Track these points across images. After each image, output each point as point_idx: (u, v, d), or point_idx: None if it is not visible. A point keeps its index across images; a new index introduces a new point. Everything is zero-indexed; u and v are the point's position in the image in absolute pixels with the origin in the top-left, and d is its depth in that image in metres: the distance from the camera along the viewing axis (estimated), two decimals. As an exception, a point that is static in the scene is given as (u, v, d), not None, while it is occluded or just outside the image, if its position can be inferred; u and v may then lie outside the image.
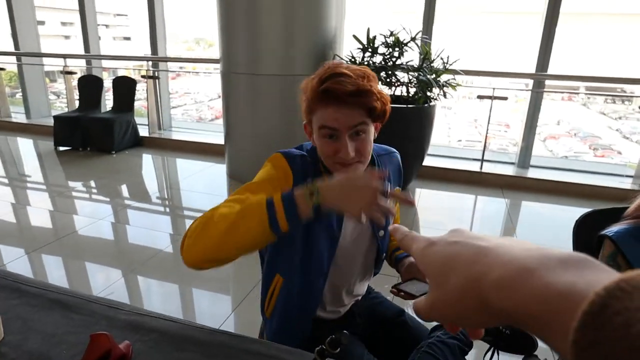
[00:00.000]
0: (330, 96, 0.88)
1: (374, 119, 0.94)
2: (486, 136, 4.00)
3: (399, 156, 1.20)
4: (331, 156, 0.92)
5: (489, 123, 3.98)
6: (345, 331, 0.60)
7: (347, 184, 0.77)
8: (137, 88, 4.92)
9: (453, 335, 1.14)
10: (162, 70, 5.29)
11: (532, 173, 4.00)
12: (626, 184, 3.78)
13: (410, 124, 3.28)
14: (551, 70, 3.87)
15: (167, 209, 3.44)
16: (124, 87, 4.85)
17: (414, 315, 1.27)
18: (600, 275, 0.24)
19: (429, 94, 3.32)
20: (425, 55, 3.38)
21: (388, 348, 1.18)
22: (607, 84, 5.31)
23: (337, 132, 0.90)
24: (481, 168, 3.93)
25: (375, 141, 1.01)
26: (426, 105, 3.31)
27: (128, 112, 4.80)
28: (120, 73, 5.79)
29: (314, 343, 0.80)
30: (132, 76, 5.13)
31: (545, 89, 4.06)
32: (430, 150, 3.74)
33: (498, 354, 1.29)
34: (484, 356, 1.28)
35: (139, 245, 2.74)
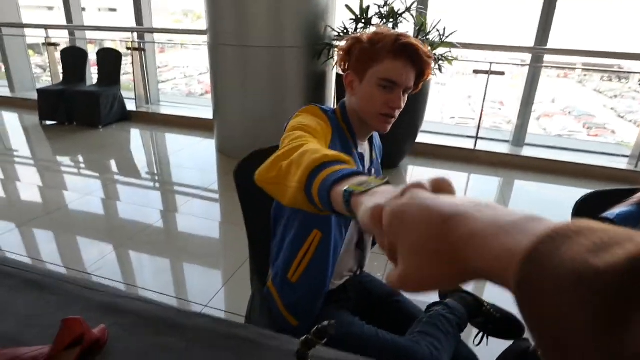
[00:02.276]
0: (407, 51, 0.95)
1: (415, 86, 1.02)
2: (481, 113, 3.93)
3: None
4: (380, 105, 0.98)
5: (484, 100, 3.91)
6: (333, 321, 0.56)
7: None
8: (124, 61, 4.75)
9: (452, 312, 1.13)
10: (148, 42, 5.11)
11: (526, 151, 3.97)
12: (621, 163, 3.77)
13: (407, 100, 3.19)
14: (550, 45, 3.79)
15: (157, 184, 3.38)
16: (109, 60, 4.67)
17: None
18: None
19: (434, 67, 3.23)
20: (421, 27, 3.27)
21: (383, 326, 1.16)
22: (605, 60, 5.20)
23: (395, 86, 0.97)
24: (475, 146, 3.89)
25: None
26: (421, 80, 3.23)
27: (114, 85, 4.64)
28: (107, 45, 5.59)
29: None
30: (119, 48, 4.95)
31: (543, 64, 3.98)
32: (423, 127, 3.67)
33: (487, 338, 1.28)
34: (474, 339, 1.28)
35: (129, 220, 2.70)
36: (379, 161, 1.19)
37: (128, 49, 4.90)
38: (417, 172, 3.69)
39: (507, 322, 1.27)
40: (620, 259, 0.20)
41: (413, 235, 0.33)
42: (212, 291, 2.00)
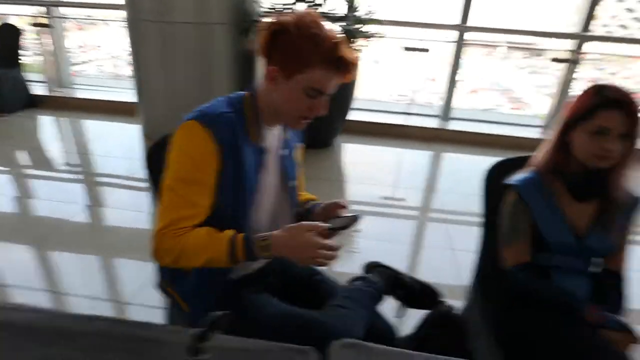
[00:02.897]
0: (341, 64, 0.91)
1: None
2: (412, 89, 4.04)
3: None
4: (304, 110, 0.95)
5: (414, 77, 4.02)
6: (227, 312, 0.53)
7: (294, 243, 0.89)
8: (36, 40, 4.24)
9: (370, 285, 1.15)
10: (56, 17, 4.59)
11: (453, 125, 4.16)
12: (536, 133, 4.09)
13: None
14: (473, 23, 3.94)
15: (76, 176, 3.10)
16: (7, 38, 4.13)
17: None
18: None
19: (353, 45, 3.22)
20: (351, 4, 3.24)
21: (306, 305, 1.16)
22: (524, 38, 5.51)
23: (321, 95, 0.94)
24: (406, 121, 4.00)
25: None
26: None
27: (14, 67, 4.11)
28: (13, 21, 4.94)
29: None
30: (26, 26, 4.40)
31: (466, 42, 4.14)
32: (361, 105, 3.69)
33: (406, 309, 1.33)
34: (395, 311, 1.32)
35: (46, 217, 2.46)
36: (296, 141, 1.15)
37: (35, 25, 4.37)
38: (351, 149, 3.73)
39: (424, 292, 1.33)
40: None
41: None
42: (141, 286, 1.89)
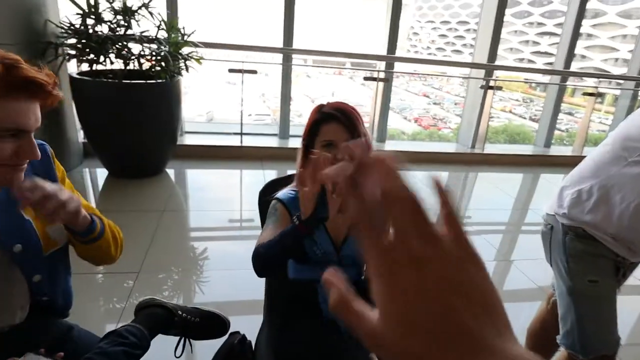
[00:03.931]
0: (28, 87, 0.74)
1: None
2: (241, 111, 4.05)
3: (47, 147, 0.98)
4: (8, 158, 0.76)
5: (242, 98, 4.05)
6: None
7: None
8: None
9: (122, 342, 1.02)
10: None
11: (293, 143, 4.29)
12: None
13: (156, 102, 3.00)
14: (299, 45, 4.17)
15: None
16: None
17: None
18: None
19: (179, 67, 3.08)
20: (167, 27, 3.10)
21: None
22: (353, 60, 6.06)
23: (22, 133, 0.76)
24: (241, 142, 3.98)
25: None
26: (168, 80, 3.05)
27: None
28: None
29: None
30: None
31: (302, 65, 4.36)
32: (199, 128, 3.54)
33: (190, 343, 1.25)
34: (175, 349, 1.22)
35: None
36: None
37: None
38: (190, 175, 3.55)
39: (208, 322, 1.26)
40: None
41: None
42: None
